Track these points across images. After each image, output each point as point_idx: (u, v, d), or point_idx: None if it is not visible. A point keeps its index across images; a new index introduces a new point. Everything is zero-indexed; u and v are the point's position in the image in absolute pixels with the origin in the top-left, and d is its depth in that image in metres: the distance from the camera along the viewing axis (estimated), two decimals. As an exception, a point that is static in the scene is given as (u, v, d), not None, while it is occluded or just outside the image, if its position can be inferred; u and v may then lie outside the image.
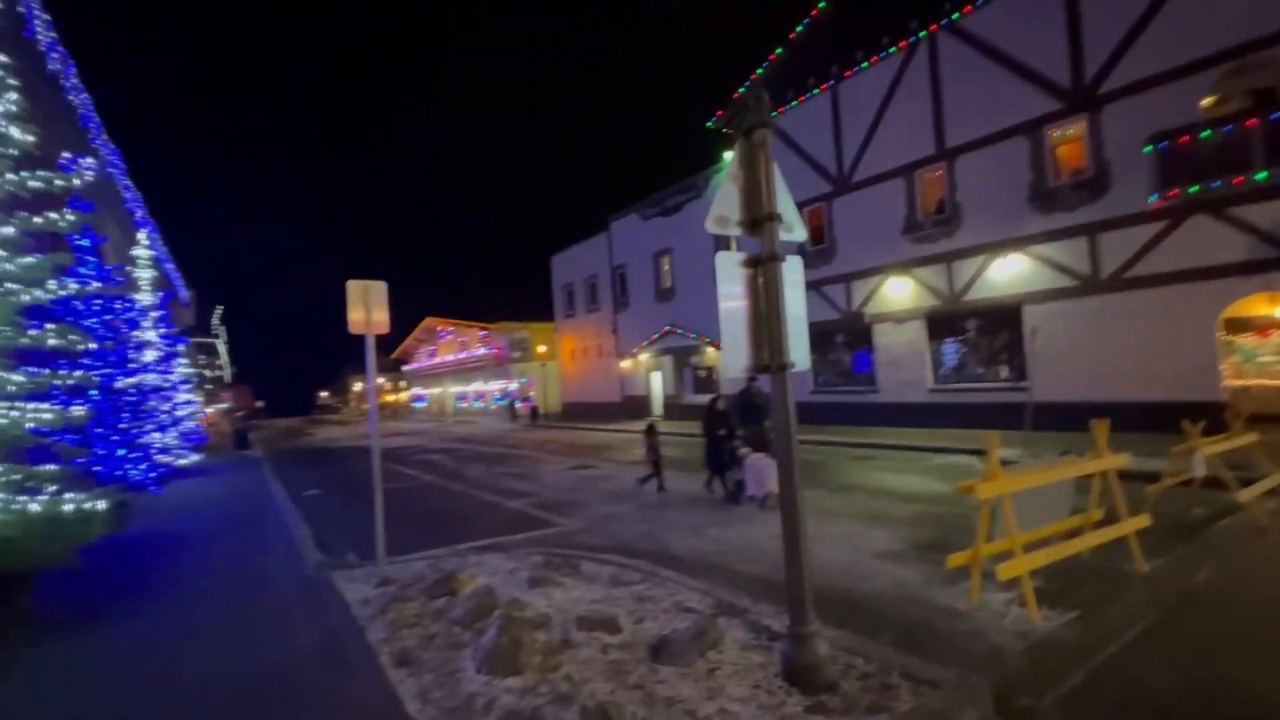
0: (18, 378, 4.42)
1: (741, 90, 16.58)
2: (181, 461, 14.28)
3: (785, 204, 2.96)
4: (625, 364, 24.99)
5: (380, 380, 60.37)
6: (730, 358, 2.84)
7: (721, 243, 13.42)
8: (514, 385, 33.08)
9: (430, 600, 4.22)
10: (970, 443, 9.96)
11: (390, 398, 58.47)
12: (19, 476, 4.28)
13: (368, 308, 4.85)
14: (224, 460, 17.47)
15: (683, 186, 21.21)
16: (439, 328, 42.62)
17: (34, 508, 4.21)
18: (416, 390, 49.62)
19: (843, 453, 11.27)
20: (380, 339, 5.00)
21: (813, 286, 15.18)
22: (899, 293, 13.92)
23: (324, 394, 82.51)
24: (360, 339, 4.83)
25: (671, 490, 8.43)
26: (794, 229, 3.04)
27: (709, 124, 17.63)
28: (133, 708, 3.03)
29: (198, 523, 7.80)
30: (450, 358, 41.49)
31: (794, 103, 16.07)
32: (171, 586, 5.04)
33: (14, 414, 4.30)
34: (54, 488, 4.43)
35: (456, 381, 40.82)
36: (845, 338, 15.52)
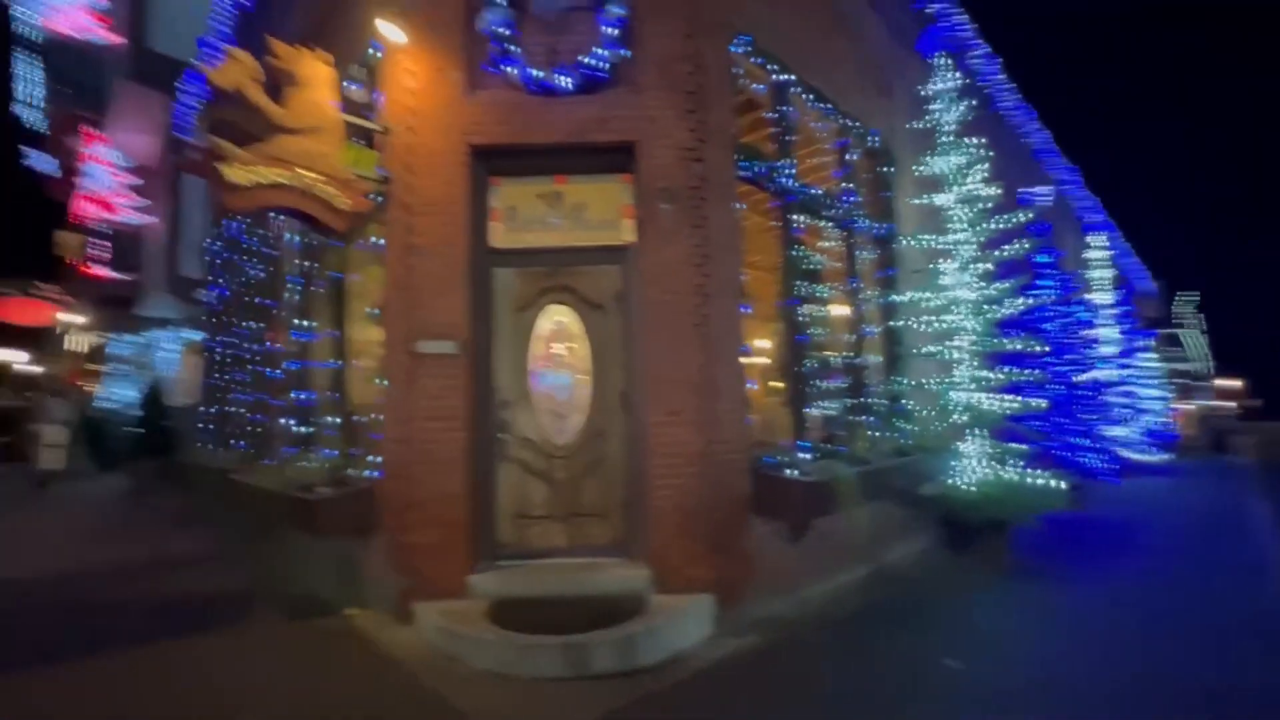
0: (996, 375, 5.88)
1: None
2: (1145, 458, 14.05)
3: None
4: None
5: None
6: None
7: None
8: None
9: None
10: None
11: None
12: (997, 450, 5.69)
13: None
14: (1194, 462, 15.84)
15: None
16: None
17: (1006, 475, 5.52)
18: None
19: None
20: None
21: None
22: None
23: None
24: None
25: None
26: None
27: None
28: (1082, 653, 3.55)
29: (1150, 520, 7.67)
30: None
31: None
32: (1112, 567, 5.34)
33: (994, 402, 5.76)
34: (1020, 462, 5.62)
35: None
36: None
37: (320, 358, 5.87)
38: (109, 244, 13.92)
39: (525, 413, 4.25)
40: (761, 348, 5.65)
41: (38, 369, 22.86)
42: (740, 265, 4.37)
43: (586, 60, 4.06)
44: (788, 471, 4.37)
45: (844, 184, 5.79)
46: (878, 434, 5.69)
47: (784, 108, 5.10)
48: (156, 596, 4.51)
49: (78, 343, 19.59)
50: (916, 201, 6.29)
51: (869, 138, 6.15)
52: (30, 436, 10.87)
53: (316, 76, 3.98)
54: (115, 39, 11.85)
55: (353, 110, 4.87)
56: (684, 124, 4.07)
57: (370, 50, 4.79)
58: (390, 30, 4.18)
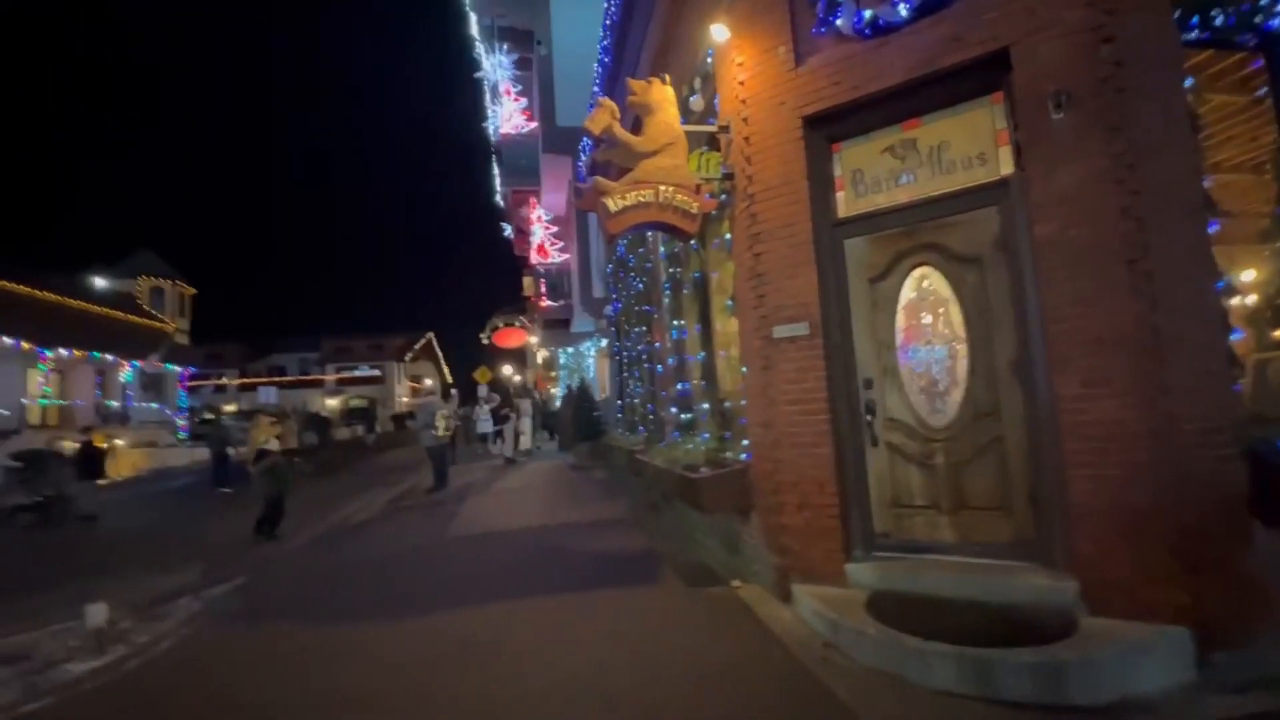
0: None
1: None
2: None
3: None
4: None
5: None
6: None
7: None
8: None
9: None
10: None
11: None
12: None
13: None
14: None
15: None
16: None
17: None
18: None
19: None
20: None
21: None
22: None
23: None
24: None
25: None
26: None
27: None
28: None
29: None
30: None
31: None
32: None
33: None
34: None
35: None
36: None
37: (691, 352, 6.54)
38: (546, 280, 18.51)
39: (893, 392, 3.86)
40: (1250, 281, 3.87)
41: (518, 379, 32.13)
42: (1197, 167, 3.07)
43: (928, -26, 3.45)
44: (1326, 461, 2.87)
45: None
46: None
47: (1263, -84, 3.38)
48: (593, 551, 5.71)
49: (539, 357, 26.70)
50: None
51: None
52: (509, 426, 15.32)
53: (663, 99, 4.40)
54: (534, 125, 15.67)
55: (697, 120, 5.25)
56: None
57: (706, 59, 5.09)
58: (719, 31, 4.34)
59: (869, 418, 3.88)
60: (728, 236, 4.88)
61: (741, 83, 4.24)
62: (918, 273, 3.81)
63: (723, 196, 4.62)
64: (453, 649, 3.61)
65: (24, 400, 19.88)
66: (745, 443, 4.67)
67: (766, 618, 3.71)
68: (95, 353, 21.37)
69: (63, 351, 19.88)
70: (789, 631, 3.49)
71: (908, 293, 3.84)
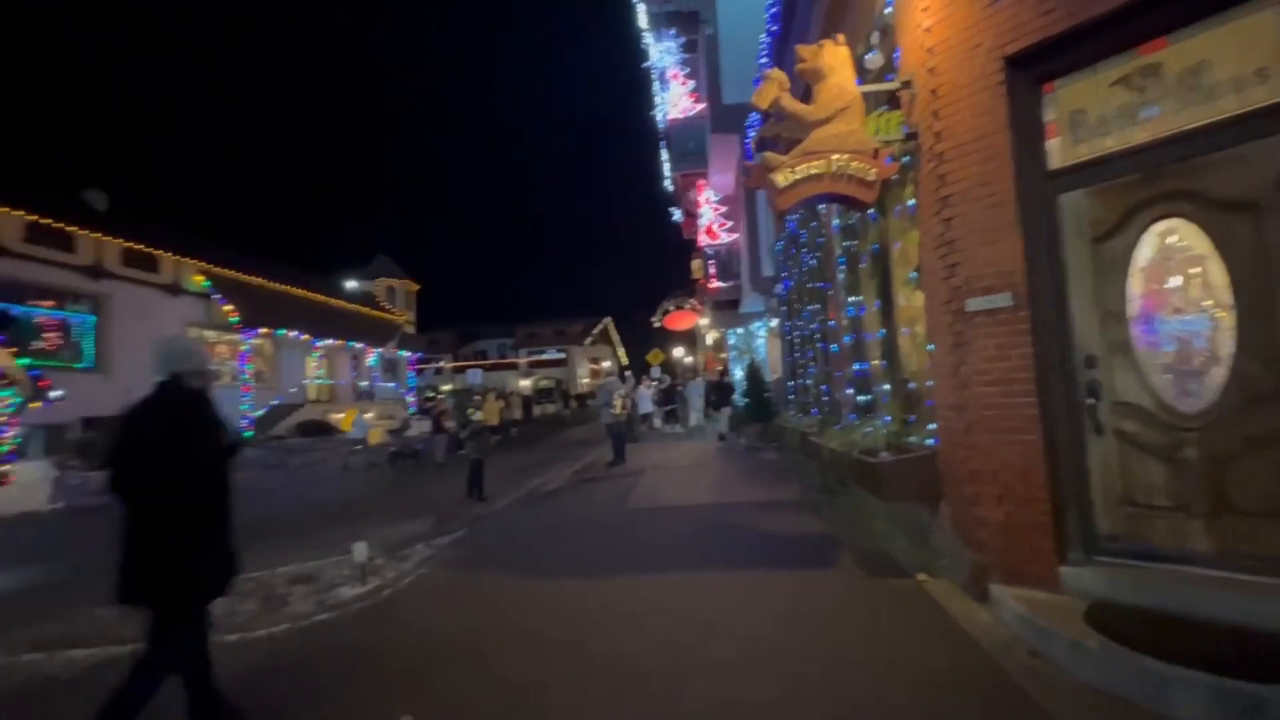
0: None
1: None
2: None
3: None
4: None
5: None
6: None
7: None
8: None
9: None
10: None
11: None
12: None
13: None
14: None
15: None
16: None
17: None
18: None
19: None
20: None
21: None
22: None
23: None
24: None
25: None
26: None
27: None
28: None
29: None
30: None
31: None
32: None
33: None
34: None
35: None
36: None
37: (870, 329, 6.14)
38: (715, 262, 18.52)
39: (1125, 371, 3.27)
40: None
41: (689, 360, 32.72)
42: None
43: None
44: None
45: None
46: None
47: None
48: (766, 531, 5.68)
49: (709, 338, 26.91)
50: None
51: None
52: (680, 405, 15.77)
53: (835, 62, 4.14)
54: (701, 106, 15.64)
55: (875, 78, 4.87)
56: None
57: (885, 9, 4.68)
58: (899, -24, 3.96)
59: (1091, 401, 3.33)
60: (911, 203, 4.48)
61: (927, 29, 3.83)
62: (1160, 227, 3.15)
63: (905, 159, 4.24)
64: (640, 610, 3.88)
65: (304, 380, 25.01)
66: (932, 427, 4.29)
67: (959, 616, 3.41)
68: (350, 341, 26.20)
69: (328, 341, 24.69)
70: (986, 634, 3.17)
71: (1145, 252, 3.21)
